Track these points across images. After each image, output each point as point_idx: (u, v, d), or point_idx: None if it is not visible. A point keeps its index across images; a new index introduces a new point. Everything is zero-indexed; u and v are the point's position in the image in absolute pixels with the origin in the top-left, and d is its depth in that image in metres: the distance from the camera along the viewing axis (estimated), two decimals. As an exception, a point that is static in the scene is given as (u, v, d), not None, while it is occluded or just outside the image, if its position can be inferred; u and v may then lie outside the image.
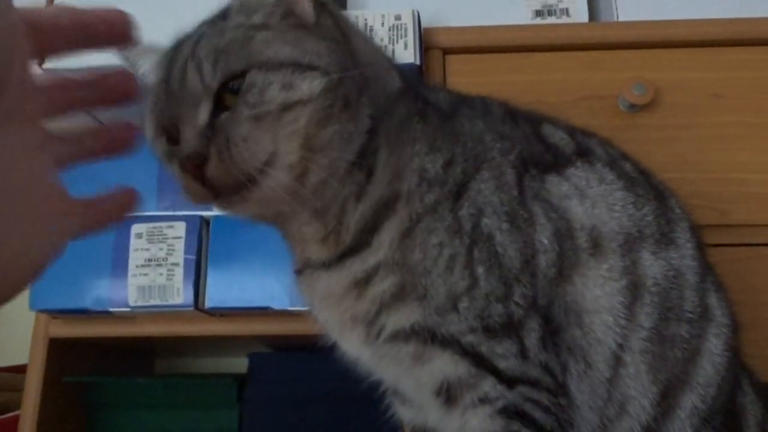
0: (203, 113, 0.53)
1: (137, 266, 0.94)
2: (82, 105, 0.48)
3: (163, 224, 0.96)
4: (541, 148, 0.67)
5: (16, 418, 0.99)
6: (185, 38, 0.58)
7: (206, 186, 0.52)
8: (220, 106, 0.53)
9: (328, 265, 0.60)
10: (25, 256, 0.37)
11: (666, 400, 0.63)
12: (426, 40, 0.97)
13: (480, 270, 0.57)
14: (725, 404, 0.68)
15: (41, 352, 0.99)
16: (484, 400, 0.56)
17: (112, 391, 1.15)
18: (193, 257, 0.94)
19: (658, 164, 0.92)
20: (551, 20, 1.06)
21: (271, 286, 0.93)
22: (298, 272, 0.64)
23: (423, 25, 0.97)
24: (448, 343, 0.57)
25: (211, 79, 0.53)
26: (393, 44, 0.93)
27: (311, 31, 0.58)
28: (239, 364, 1.30)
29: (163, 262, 0.93)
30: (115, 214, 0.48)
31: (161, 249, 0.94)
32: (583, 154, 0.68)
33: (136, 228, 0.96)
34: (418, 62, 0.92)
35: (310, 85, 0.54)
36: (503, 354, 0.57)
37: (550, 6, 1.07)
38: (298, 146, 0.54)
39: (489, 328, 0.57)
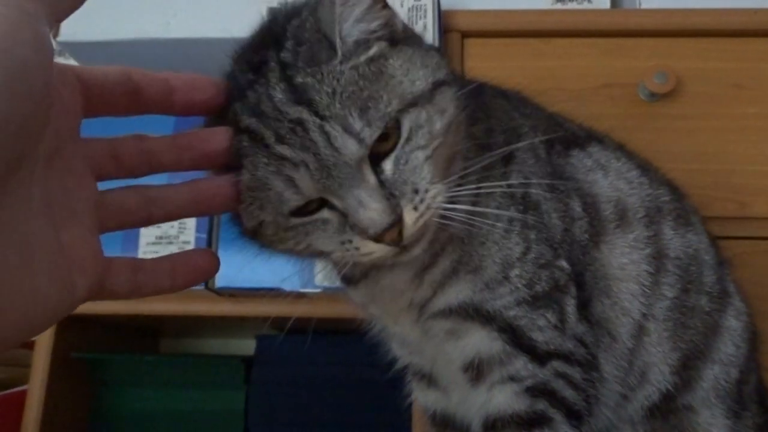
0: (369, 175, 0.47)
1: (148, 243, 0.94)
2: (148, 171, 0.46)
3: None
4: (559, 128, 0.70)
5: (24, 393, 1.00)
6: (262, 99, 0.48)
7: (399, 245, 0.48)
8: (371, 156, 0.48)
9: (391, 263, 0.58)
10: (27, 305, 0.35)
11: (686, 370, 0.65)
12: (445, 23, 0.96)
13: (533, 235, 0.59)
14: (756, 396, 0.70)
15: (50, 327, 0.99)
16: (513, 378, 0.57)
17: (120, 368, 1.15)
18: (204, 236, 0.93)
19: (677, 154, 0.91)
20: (572, 6, 1.04)
21: (282, 267, 0.92)
22: (355, 282, 0.62)
23: (442, 7, 0.96)
24: (490, 318, 0.57)
25: (369, 135, 0.46)
26: (412, 25, 0.91)
27: (410, 43, 0.52)
28: (246, 345, 1.29)
29: (174, 240, 0.93)
30: (173, 282, 0.45)
31: (172, 227, 0.93)
32: (596, 138, 0.72)
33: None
34: (436, 45, 0.91)
35: (451, 102, 0.51)
36: (543, 326, 0.57)
37: (572, -9, 1.05)
38: (446, 156, 0.52)
39: (536, 296, 0.58)
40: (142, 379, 1.15)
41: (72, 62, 0.97)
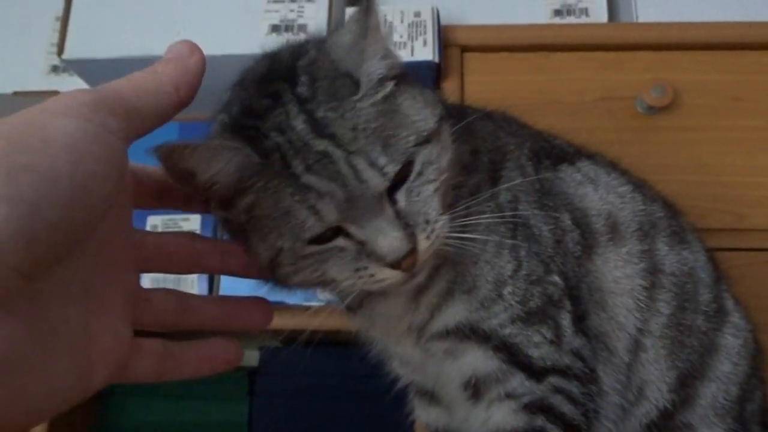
0: (388, 206, 0.49)
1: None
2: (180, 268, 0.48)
3: (179, 216, 0.96)
4: (547, 145, 0.71)
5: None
6: (284, 127, 0.48)
7: (412, 271, 0.51)
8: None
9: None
10: (42, 393, 0.35)
11: (684, 388, 0.65)
12: (445, 37, 0.97)
13: (522, 253, 0.60)
14: (759, 415, 0.70)
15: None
16: (510, 395, 0.58)
17: (124, 380, 1.15)
18: (208, 249, 0.94)
19: (675, 167, 0.92)
20: (570, 20, 1.05)
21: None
22: (353, 309, 0.64)
23: (442, 22, 0.97)
24: (486, 338, 0.58)
25: (392, 170, 0.48)
26: (412, 41, 0.93)
27: (410, 81, 0.53)
28: (250, 357, 1.30)
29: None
30: (199, 368, 0.46)
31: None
32: (585, 155, 0.72)
33: (152, 220, 0.96)
34: (436, 60, 0.92)
35: (449, 136, 0.53)
36: (539, 342, 0.58)
37: (570, 5, 1.06)
38: (447, 188, 0.54)
39: (530, 312, 0.58)
40: (147, 390, 1.16)
41: (77, 80, 0.98)
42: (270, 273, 0.51)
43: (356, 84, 0.48)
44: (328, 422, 1.09)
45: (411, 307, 0.60)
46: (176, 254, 0.47)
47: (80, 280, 0.37)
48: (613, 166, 0.73)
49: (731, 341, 0.68)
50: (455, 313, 0.59)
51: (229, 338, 0.48)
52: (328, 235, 0.49)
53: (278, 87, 0.49)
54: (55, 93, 1.00)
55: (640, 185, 0.71)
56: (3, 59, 1.06)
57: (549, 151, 0.70)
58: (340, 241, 0.50)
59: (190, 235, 0.48)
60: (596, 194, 0.67)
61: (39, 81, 1.04)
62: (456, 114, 0.64)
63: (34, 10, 1.09)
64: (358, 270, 0.50)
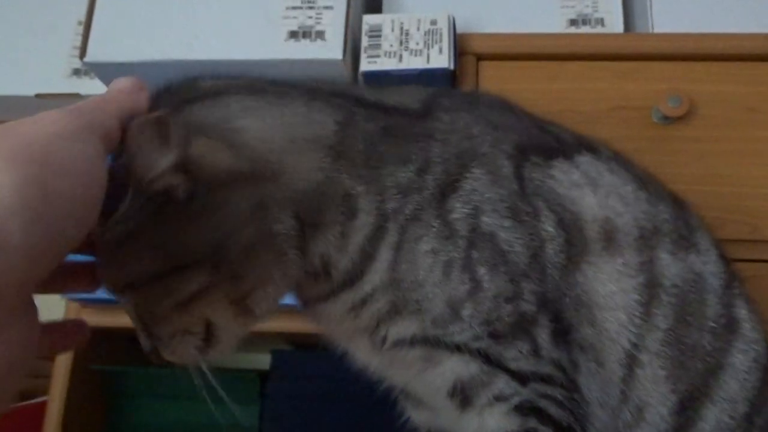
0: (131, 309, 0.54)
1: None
2: None
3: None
4: (542, 135, 0.64)
5: (44, 404, 1.01)
6: None
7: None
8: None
9: (325, 298, 0.58)
10: None
11: (685, 411, 0.61)
12: (460, 46, 0.98)
13: (482, 271, 0.54)
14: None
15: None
16: (499, 398, 0.55)
17: (137, 380, 1.16)
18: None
19: (690, 177, 0.92)
20: (586, 29, 1.06)
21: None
22: (304, 304, 0.63)
23: (458, 30, 0.98)
24: (456, 348, 0.55)
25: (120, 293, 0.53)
26: (428, 49, 0.93)
27: (183, 209, 0.48)
28: (261, 360, 1.30)
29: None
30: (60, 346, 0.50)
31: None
32: (587, 147, 0.65)
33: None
34: (452, 67, 0.93)
35: (197, 282, 0.51)
36: (514, 357, 0.55)
37: (585, 15, 1.07)
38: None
39: (497, 333, 0.54)
40: (158, 391, 1.16)
41: (98, 83, 1.00)
42: None
43: None
44: (340, 426, 1.09)
45: (351, 315, 0.57)
46: None
47: None
48: (617, 159, 0.66)
49: (740, 359, 0.62)
50: (407, 327, 0.55)
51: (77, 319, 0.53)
52: None
53: None
54: (76, 96, 1.03)
55: (646, 181, 0.65)
56: (26, 62, 1.08)
57: (543, 141, 0.63)
58: None
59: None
60: (594, 198, 0.60)
61: (61, 84, 1.06)
62: (419, 109, 0.61)
63: (57, 14, 1.11)
64: None
